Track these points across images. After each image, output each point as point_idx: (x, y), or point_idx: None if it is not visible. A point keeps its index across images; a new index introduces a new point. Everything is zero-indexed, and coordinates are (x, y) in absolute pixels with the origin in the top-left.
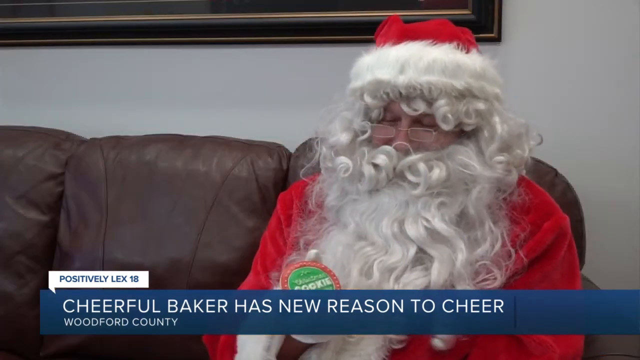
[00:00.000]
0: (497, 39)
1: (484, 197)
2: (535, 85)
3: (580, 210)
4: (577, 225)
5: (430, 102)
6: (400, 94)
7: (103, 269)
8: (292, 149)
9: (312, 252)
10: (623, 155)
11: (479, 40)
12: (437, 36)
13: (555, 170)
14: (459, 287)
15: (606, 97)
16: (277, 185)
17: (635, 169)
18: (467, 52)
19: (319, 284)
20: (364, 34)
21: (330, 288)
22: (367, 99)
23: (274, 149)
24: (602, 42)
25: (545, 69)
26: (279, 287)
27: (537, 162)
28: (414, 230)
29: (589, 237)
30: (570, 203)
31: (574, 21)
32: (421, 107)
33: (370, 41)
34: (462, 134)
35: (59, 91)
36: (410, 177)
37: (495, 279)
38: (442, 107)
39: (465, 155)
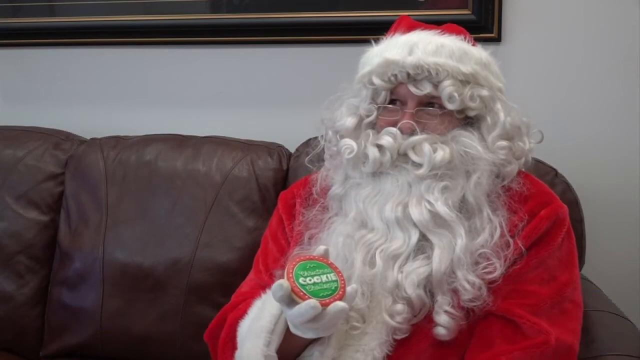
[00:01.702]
0: (497, 39)
1: (483, 184)
2: (535, 86)
3: (580, 210)
4: (577, 225)
5: (436, 85)
6: (408, 75)
7: (103, 269)
8: (292, 149)
9: (321, 248)
10: (623, 155)
11: (479, 40)
12: (444, 29)
13: (555, 170)
14: (459, 273)
15: (606, 97)
16: (277, 185)
17: (635, 169)
18: (473, 45)
19: (323, 278)
20: (364, 34)
21: (335, 284)
22: (376, 80)
23: (274, 149)
24: (602, 43)
25: (545, 69)
26: (283, 278)
27: (537, 162)
28: (417, 212)
29: (589, 237)
30: (570, 203)
31: (574, 21)
32: (427, 87)
33: (370, 41)
34: (465, 121)
35: (59, 91)
36: (414, 157)
37: (495, 269)
38: (448, 86)
39: (469, 138)
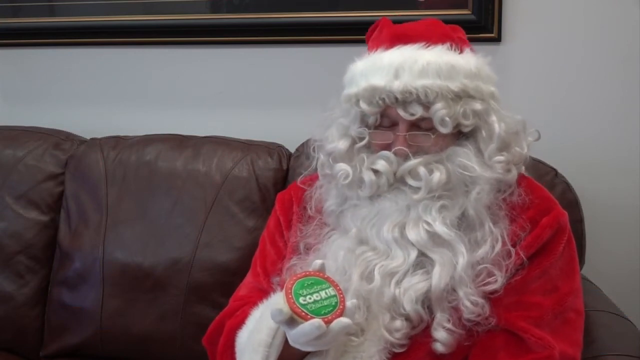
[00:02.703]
0: (497, 39)
1: (484, 198)
2: (535, 85)
3: (580, 210)
4: (577, 225)
5: (426, 106)
6: (396, 99)
7: (103, 269)
8: (292, 149)
9: (317, 263)
10: (623, 155)
11: (479, 40)
12: (429, 38)
13: (555, 170)
14: (460, 292)
15: (606, 97)
16: (277, 185)
17: (635, 169)
18: (461, 52)
19: (322, 294)
20: (365, 34)
21: (335, 299)
22: (363, 105)
23: (274, 149)
24: (602, 42)
25: (545, 69)
26: (282, 296)
27: (537, 162)
28: (414, 234)
29: (589, 237)
30: (570, 203)
31: (574, 21)
32: (418, 111)
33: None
34: (460, 135)
35: (59, 91)
36: (411, 182)
37: (496, 280)
38: (439, 110)
39: (465, 157)
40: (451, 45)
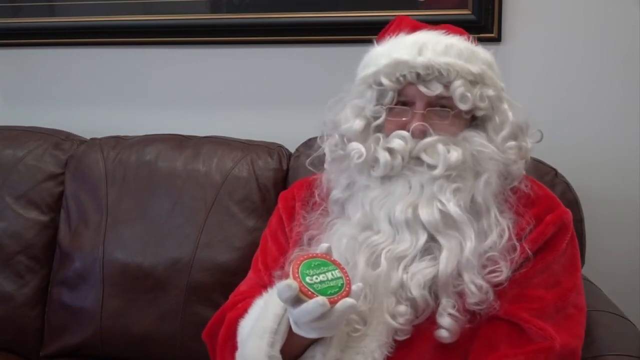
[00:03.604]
0: (497, 39)
1: (492, 184)
2: (535, 85)
3: (580, 210)
4: (577, 225)
5: (446, 85)
6: (418, 75)
7: (103, 269)
8: (292, 149)
9: (323, 246)
10: (623, 155)
11: (479, 40)
12: (447, 29)
13: (555, 170)
14: (466, 276)
15: (606, 97)
16: (277, 185)
17: (635, 169)
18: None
19: (329, 275)
20: (364, 34)
21: (341, 280)
22: (384, 80)
23: (274, 149)
24: (602, 43)
25: (545, 69)
26: (289, 278)
27: (537, 162)
28: (428, 213)
29: (589, 237)
30: (570, 203)
31: (574, 21)
32: (438, 88)
33: (370, 41)
34: (471, 122)
35: (59, 91)
36: (428, 160)
37: (501, 271)
38: (459, 87)
39: (480, 139)
40: (467, 38)
